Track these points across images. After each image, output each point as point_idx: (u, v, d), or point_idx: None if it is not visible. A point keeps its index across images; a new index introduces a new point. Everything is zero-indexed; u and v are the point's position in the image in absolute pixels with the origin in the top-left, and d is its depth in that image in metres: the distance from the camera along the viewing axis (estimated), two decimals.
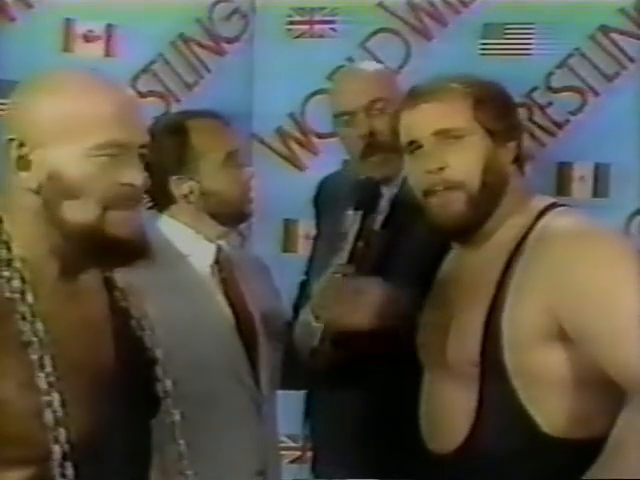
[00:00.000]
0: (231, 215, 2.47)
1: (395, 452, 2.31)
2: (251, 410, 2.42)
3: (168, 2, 3.74)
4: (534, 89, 3.63)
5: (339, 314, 2.37)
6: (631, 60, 3.59)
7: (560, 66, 3.62)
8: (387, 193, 2.61)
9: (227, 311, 2.43)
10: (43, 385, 1.55)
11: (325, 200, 2.88)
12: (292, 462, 3.62)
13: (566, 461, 1.95)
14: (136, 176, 1.63)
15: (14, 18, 3.65)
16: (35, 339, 1.56)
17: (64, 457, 1.55)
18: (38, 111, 1.61)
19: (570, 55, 3.62)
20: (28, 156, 1.61)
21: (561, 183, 3.65)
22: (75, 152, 1.60)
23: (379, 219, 2.61)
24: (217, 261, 2.46)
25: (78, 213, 1.60)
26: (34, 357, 1.56)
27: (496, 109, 2.09)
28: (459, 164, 2.05)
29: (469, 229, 2.09)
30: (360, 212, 2.63)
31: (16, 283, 1.59)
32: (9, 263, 1.60)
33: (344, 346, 2.49)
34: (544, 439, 1.98)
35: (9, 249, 1.61)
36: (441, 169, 2.05)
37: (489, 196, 2.07)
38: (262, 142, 3.80)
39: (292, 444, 3.60)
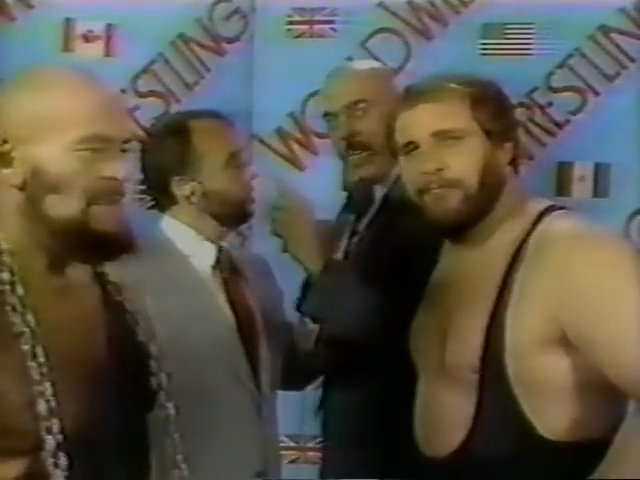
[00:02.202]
0: (233, 216, 2.46)
1: (391, 454, 2.31)
2: (251, 410, 2.42)
3: (168, 2, 3.74)
4: (534, 89, 3.63)
5: None
6: (631, 60, 3.59)
7: (560, 66, 3.63)
8: (378, 194, 2.61)
9: (228, 311, 2.43)
10: (35, 375, 1.55)
11: None
12: (292, 462, 3.63)
13: (562, 464, 1.95)
14: (119, 170, 1.64)
15: (14, 18, 3.66)
16: (26, 330, 1.57)
17: (57, 447, 1.55)
18: (19, 108, 1.62)
19: (570, 55, 3.62)
20: (11, 153, 1.61)
21: (561, 183, 3.65)
22: (58, 147, 1.60)
23: (365, 220, 2.61)
24: (218, 261, 2.46)
25: (62, 208, 1.61)
26: (26, 347, 1.56)
27: (494, 109, 2.08)
28: (458, 165, 2.04)
29: (464, 226, 2.07)
30: (353, 215, 2.65)
31: (5, 275, 1.60)
32: None
33: (338, 349, 2.49)
34: (541, 443, 1.97)
35: None
36: (439, 170, 2.04)
37: (486, 196, 2.06)
38: (262, 142, 3.80)
39: (292, 444, 3.61)
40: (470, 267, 2.09)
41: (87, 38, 3.74)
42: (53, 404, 1.55)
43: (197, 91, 3.80)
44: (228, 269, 2.47)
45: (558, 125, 3.65)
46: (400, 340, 2.19)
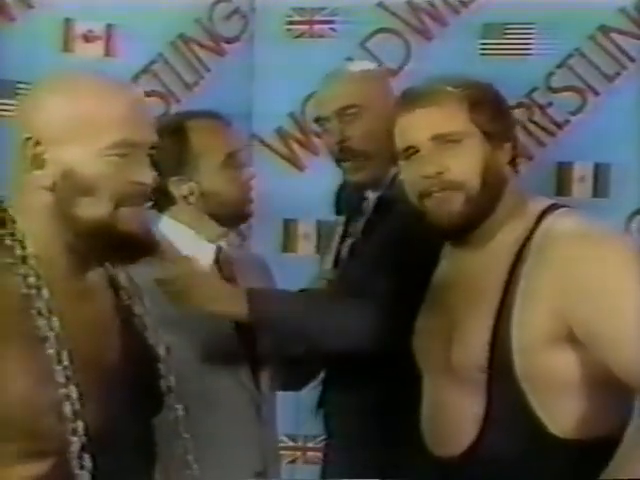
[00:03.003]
0: (231, 216, 2.47)
1: (393, 454, 2.31)
2: (251, 411, 2.43)
3: (168, 2, 3.74)
4: (534, 89, 3.63)
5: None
6: (631, 60, 3.59)
7: (560, 66, 3.63)
8: (371, 197, 2.60)
9: None
10: (61, 379, 1.58)
11: None
12: (292, 462, 3.63)
13: (572, 462, 1.96)
14: (147, 175, 1.68)
15: (14, 18, 3.65)
16: (52, 334, 1.59)
17: (82, 449, 1.58)
18: (53, 111, 1.65)
19: (570, 55, 3.62)
20: (43, 155, 1.64)
21: (561, 183, 3.65)
22: (89, 151, 1.64)
23: (360, 224, 2.60)
24: (217, 261, 2.47)
25: (91, 210, 1.64)
26: (51, 351, 1.58)
27: (492, 111, 2.09)
28: (458, 167, 2.05)
29: (466, 228, 2.08)
30: (343, 217, 2.64)
31: (32, 280, 1.62)
32: (24, 260, 1.63)
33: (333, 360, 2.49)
34: (551, 441, 1.98)
35: (23, 247, 1.64)
36: (440, 173, 2.05)
37: (488, 197, 2.07)
38: (262, 142, 3.80)
39: (292, 444, 3.61)
40: (473, 268, 2.10)
41: (87, 38, 3.73)
42: (78, 406, 1.58)
43: (197, 91, 3.80)
44: (227, 269, 2.47)
45: (558, 125, 3.65)
46: (399, 341, 2.19)
